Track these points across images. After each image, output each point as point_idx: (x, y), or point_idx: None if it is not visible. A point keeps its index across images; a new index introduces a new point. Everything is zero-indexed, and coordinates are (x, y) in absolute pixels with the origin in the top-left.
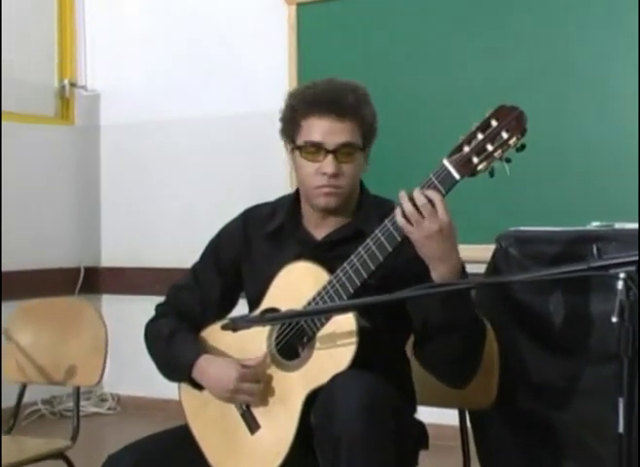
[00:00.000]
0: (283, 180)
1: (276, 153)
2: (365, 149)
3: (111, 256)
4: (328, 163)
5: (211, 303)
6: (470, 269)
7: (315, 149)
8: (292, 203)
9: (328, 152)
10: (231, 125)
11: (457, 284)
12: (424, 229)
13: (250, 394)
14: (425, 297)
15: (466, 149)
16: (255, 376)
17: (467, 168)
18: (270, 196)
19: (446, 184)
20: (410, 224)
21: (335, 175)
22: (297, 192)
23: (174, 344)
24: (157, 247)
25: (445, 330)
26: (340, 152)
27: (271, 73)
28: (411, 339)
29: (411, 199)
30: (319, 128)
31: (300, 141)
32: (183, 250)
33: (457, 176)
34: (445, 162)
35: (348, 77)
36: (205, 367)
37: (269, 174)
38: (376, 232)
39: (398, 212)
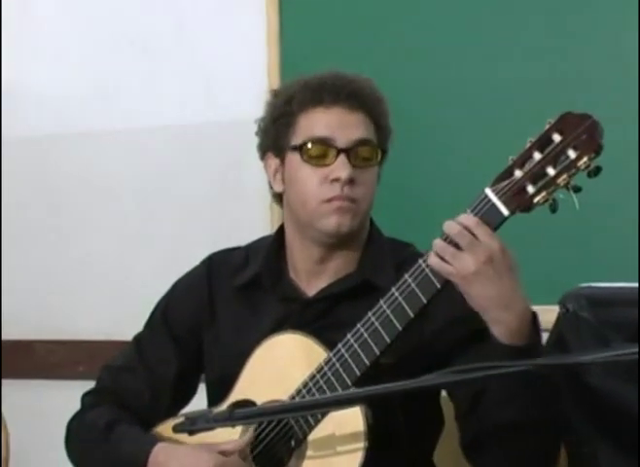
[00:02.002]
0: (260, 217)
1: (250, 179)
2: (382, 156)
3: (11, 325)
4: (341, 166)
5: (164, 387)
6: None
7: (322, 147)
8: (272, 246)
9: (340, 151)
10: (186, 139)
11: (510, 365)
12: (466, 262)
13: None
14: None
15: (518, 174)
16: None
17: (519, 201)
18: (242, 239)
19: (490, 222)
20: (446, 262)
21: (350, 182)
22: (279, 232)
23: (115, 438)
24: (78, 312)
25: (516, 427)
26: (356, 152)
27: (242, 72)
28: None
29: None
30: (326, 121)
31: (297, 140)
32: (116, 315)
33: (505, 212)
34: (489, 193)
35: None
36: (165, 459)
37: (241, 209)
38: (393, 290)
39: (432, 255)
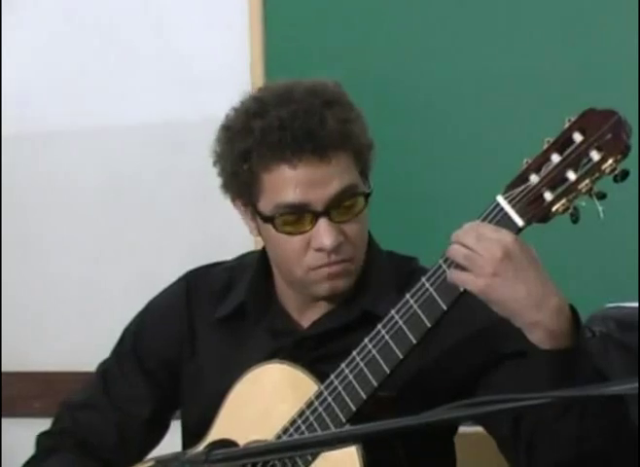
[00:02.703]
0: (247, 228)
1: None
2: (368, 186)
3: None
4: (323, 233)
5: (134, 428)
6: None
7: (296, 215)
8: (258, 269)
9: (317, 214)
10: (162, 140)
11: (530, 398)
12: (484, 263)
13: None
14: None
15: (534, 179)
16: None
17: (536, 209)
18: (227, 253)
19: None
20: (462, 269)
21: (337, 247)
22: (265, 250)
23: None
24: (33, 339)
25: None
26: (337, 208)
27: (223, 67)
28: None
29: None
30: (295, 182)
31: (266, 206)
32: (78, 343)
33: (520, 222)
34: (501, 201)
35: (338, 73)
36: None
37: (225, 219)
38: (392, 313)
39: (450, 270)
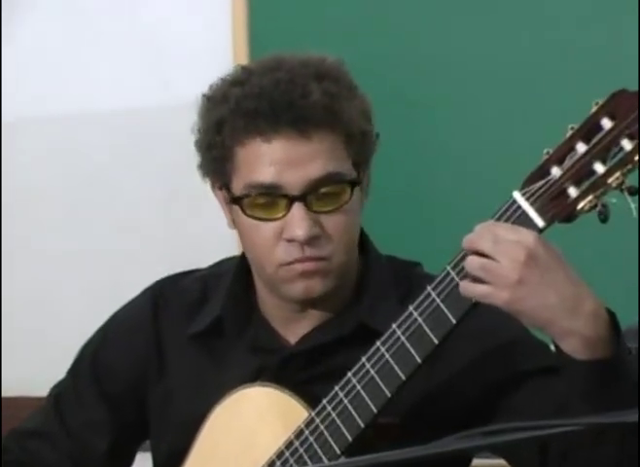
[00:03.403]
0: (227, 231)
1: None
2: (360, 177)
3: None
4: (296, 221)
5: (91, 460)
6: None
7: (268, 198)
8: (238, 276)
9: (292, 199)
10: (132, 129)
11: (560, 425)
12: (505, 270)
13: None
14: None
15: (556, 172)
16: None
17: (559, 207)
18: (203, 259)
19: None
20: (479, 281)
21: (313, 240)
22: (245, 255)
23: None
24: None
25: None
26: (316, 195)
27: (203, 51)
28: None
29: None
30: (269, 159)
31: (238, 187)
32: (29, 364)
33: (540, 222)
34: (518, 197)
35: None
36: None
37: (201, 219)
38: (394, 327)
39: (463, 283)
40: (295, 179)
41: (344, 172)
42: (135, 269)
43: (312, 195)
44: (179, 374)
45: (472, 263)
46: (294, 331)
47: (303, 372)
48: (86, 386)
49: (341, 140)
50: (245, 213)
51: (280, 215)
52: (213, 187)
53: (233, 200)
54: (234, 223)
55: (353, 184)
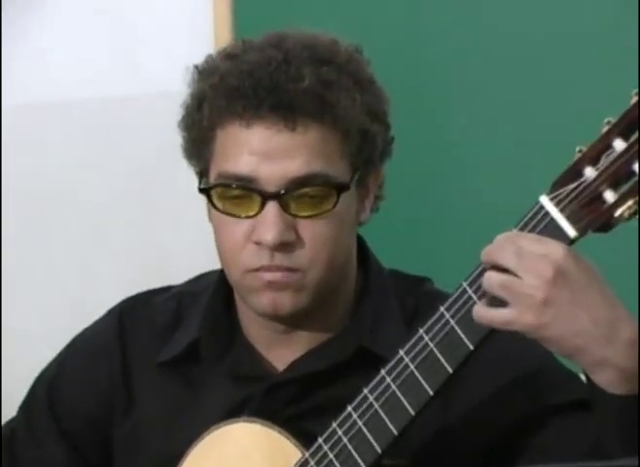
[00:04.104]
0: (206, 237)
1: (189, 175)
2: (353, 181)
3: None
4: (267, 222)
5: None
6: None
7: (242, 192)
8: (217, 293)
9: (266, 197)
10: (100, 119)
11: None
12: (530, 289)
13: None
14: None
15: (590, 174)
16: None
17: (593, 214)
18: (178, 272)
19: None
20: (498, 302)
21: (284, 247)
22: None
23: None
24: None
25: None
26: (295, 196)
27: (178, 34)
28: None
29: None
30: (247, 147)
31: (213, 174)
32: None
33: (572, 232)
34: (546, 203)
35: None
36: None
37: (176, 223)
38: (401, 354)
39: (477, 307)
40: (271, 174)
41: (332, 174)
42: (99, 283)
43: (289, 194)
44: (149, 407)
45: (491, 279)
46: (282, 356)
47: (293, 404)
48: (41, 424)
49: (336, 137)
50: (214, 206)
51: (252, 213)
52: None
53: (202, 190)
54: (212, 225)
55: (340, 188)
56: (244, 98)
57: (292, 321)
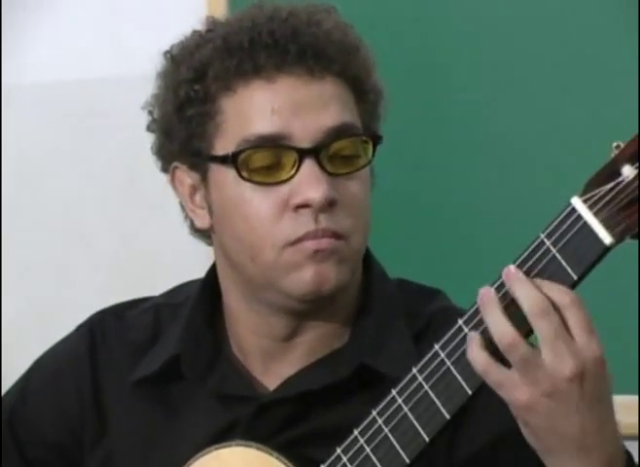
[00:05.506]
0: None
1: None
2: (375, 144)
3: None
4: (309, 179)
5: None
6: None
7: (271, 152)
8: (201, 303)
9: (303, 153)
10: (78, 102)
11: None
12: (541, 375)
13: None
14: None
15: (628, 173)
16: None
17: (631, 218)
18: (163, 276)
19: (583, 258)
20: (504, 364)
21: (330, 208)
22: (211, 275)
23: None
24: None
25: None
26: (332, 150)
27: (164, 11)
28: None
29: (506, 306)
30: (272, 103)
31: (226, 145)
32: None
33: (607, 238)
34: (578, 205)
35: None
36: None
37: (159, 218)
38: (414, 372)
39: (474, 345)
40: (305, 128)
41: (359, 123)
42: (78, 281)
43: (326, 150)
44: (123, 433)
45: (510, 345)
46: (274, 372)
47: (287, 428)
48: (3, 451)
49: (354, 92)
50: (242, 176)
51: (287, 176)
52: (172, 174)
53: (222, 160)
54: (212, 206)
55: (374, 141)
56: (264, 50)
57: (306, 314)
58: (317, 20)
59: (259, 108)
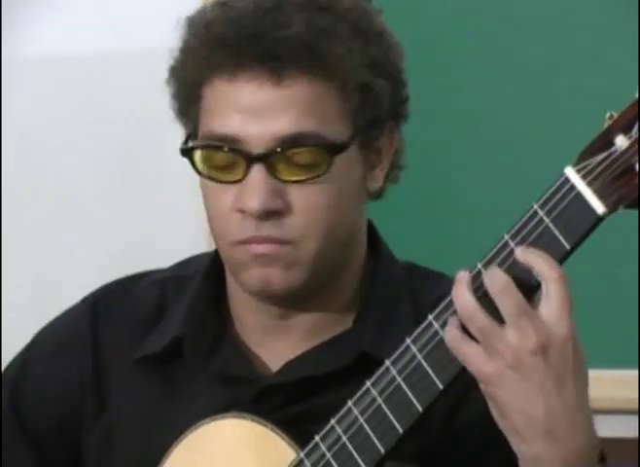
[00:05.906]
0: (196, 210)
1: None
2: (360, 144)
3: None
4: (251, 187)
5: None
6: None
7: (227, 154)
8: (206, 281)
9: (251, 159)
10: (74, 78)
11: None
12: (504, 347)
13: None
14: None
15: (621, 143)
16: None
17: (625, 188)
18: (166, 251)
19: (576, 228)
20: (474, 340)
21: (271, 216)
22: (217, 254)
23: None
24: None
25: None
26: (284, 158)
27: None
28: None
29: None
30: (232, 104)
31: (199, 135)
32: None
33: (600, 208)
34: (571, 175)
35: None
36: None
37: (162, 196)
38: (408, 342)
39: (451, 323)
40: (257, 133)
41: (326, 134)
42: (74, 267)
43: (277, 157)
44: (123, 409)
45: (473, 316)
46: (275, 355)
47: (286, 408)
48: (4, 424)
49: (331, 92)
50: (197, 170)
51: (237, 178)
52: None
53: (183, 152)
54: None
55: (335, 150)
56: (227, 48)
57: (287, 302)
58: (290, 22)
59: (221, 106)
